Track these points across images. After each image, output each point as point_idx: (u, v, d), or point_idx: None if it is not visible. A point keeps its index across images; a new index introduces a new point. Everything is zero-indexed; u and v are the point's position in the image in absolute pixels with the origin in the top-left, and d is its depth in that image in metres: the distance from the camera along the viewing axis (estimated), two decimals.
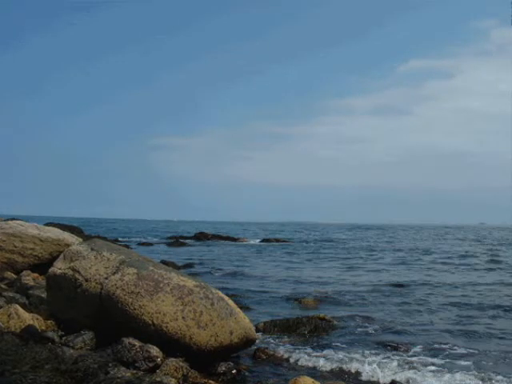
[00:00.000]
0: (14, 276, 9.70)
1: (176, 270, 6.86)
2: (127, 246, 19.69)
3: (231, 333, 5.67)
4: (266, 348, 6.45)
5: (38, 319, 6.10)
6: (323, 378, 5.33)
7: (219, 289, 6.35)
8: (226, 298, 6.06)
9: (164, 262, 14.13)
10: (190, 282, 5.87)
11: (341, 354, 6.37)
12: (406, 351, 6.74)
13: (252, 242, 41.86)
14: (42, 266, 9.98)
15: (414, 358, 6.35)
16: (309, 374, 5.23)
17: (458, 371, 5.77)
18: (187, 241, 38.00)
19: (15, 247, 10.30)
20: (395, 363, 6.04)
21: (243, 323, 5.89)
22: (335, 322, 8.35)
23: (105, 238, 21.65)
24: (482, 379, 5.54)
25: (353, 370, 5.83)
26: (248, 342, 5.97)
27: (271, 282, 14.27)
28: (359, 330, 8.05)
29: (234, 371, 5.44)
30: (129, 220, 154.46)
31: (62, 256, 6.33)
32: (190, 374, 4.93)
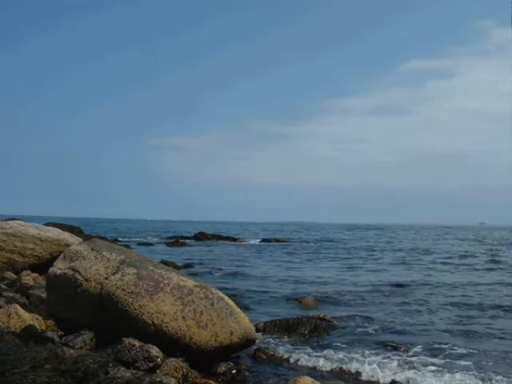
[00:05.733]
0: (14, 276, 9.69)
1: (176, 270, 6.87)
2: (127, 246, 19.69)
3: (231, 333, 5.67)
4: (266, 348, 6.45)
5: (37, 319, 6.10)
6: (323, 378, 5.33)
7: (219, 289, 6.35)
8: (226, 298, 6.06)
9: (164, 262, 14.12)
10: (190, 282, 5.87)
11: (341, 354, 6.37)
12: (406, 351, 6.74)
13: (252, 241, 41.85)
14: (42, 266, 9.97)
15: (413, 358, 6.34)
16: (309, 374, 5.23)
17: (458, 371, 5.77)
18: (187, 241, 37.99)
19: (15, 247, 10.29)
20: (395, 363, 6.04)
21: (243, 323, 5.89)
22: (335, 322, 8.35)
23: (105, 238, 21.65)
24: (482, 379, 5.54)
25: (353, 370, 5.83)
26: (248, 341, 5.97)
27: (271, 281, 14.27)
28: (359, 329, 8.05)
29: (233, 371, 5.45)
30: (129, 220, 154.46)
31: (62, 256, 6.33)
32: (189, 373, 4.94)
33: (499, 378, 5.59)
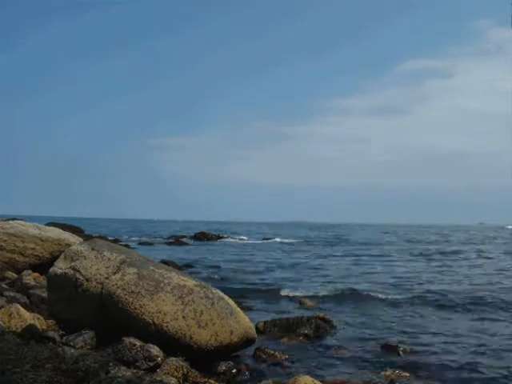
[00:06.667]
0: (15, 276, 9.71)
1: (176, 269, 6.88)
2: (127, 246, 19.71)
3: (231, 332, 5.69)
4: (266, 348, 6.46)
5: (38, 319, 6.12)
6: (323, 378, 5.35)
7: (219, 288, 6.37)
8: (226, 297, 6.08)
9: (164, 262, 14.12)
10: (191, 282, 5.89)
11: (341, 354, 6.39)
12: (407, 351, 6.75)
13: (252, 241, 41.89)
14: (42, 266, 9.99)
15: (414, 358, 6.36)
16: (309, 373, 5.25)
17: (457, 371, 5.79)
18: (187, 241, 38.03)
19: (16, 247, 10.31)
20: (396, 363, 6.06)
21: (243, 323, 5.91)
22: (335, 322, 8.36)
23: (105, 238, 21.67)
24: (483, 379, 5.56)
25: (353, 370, 5.85)
26: (248, 341, 5.99)
27: (271, 281, 14.28)
28: (359, 329, 8.07)
29: (234, 370, 5.46)
30: (129, 220, 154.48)
31: (62, 256, 6.35)
32: (190, 373, 4.95)
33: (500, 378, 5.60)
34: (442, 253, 28.10)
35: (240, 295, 10.93)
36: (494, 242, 42.35)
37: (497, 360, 6.39)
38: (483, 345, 7.17)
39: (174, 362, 4.97)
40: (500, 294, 11.77)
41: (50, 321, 6.25)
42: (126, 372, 4.43)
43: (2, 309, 6.00)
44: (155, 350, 5.12)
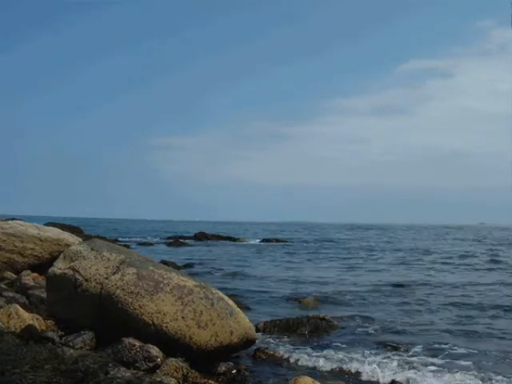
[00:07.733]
0: (14, 276, 9.69)
1: (176, 270, 6.87)
2: (127, 246, 19.69)
3: (231, 333, 5.67)
4: (266, 348, 6.44)
5: (38, 319, 6.10)
6: (323, 378, 5.33)
7: (219, 289, 6.35)
8: (226, 297, 6.06)
9: (164, 262, 14.10)
10: (190, 282, 5.87)
11: (341, 354, 6.37)
12: (406, 351, 6.74)
13: (252, 241, 41.86)
14: (42, 266, 9.97)
15: (414, 358, 6.34)
16: (309, 374, 5.22)
17: (458, 371, 5.77)
18: (187, 241, 37.99)
19: (15, 247, 10.29)
20: (395, 363, 6.04)
21: (243, 323, 5.90)
22: (335, 322, 8.34)
23: (105, 238, 21.63)
24: (482, 379, 5.54)
25: (353, 370, 5.83)
26: (248, 341, 5.97)
27: (271, 281, 14.27)
28: (359, 330, 8.05)
29: (234, 371, 5.44)
30: (129, 220, 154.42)
31: (62, 256, 6.33)
32: (189, 374, 4.93)
33: (499, 377, 5.58)
34: None
35: (240, 294, 10.92)
36: None
37: None
38: None
39: (174, 362, 4.95)
40: None
41: (49, 321, 6.23)
42: (125, 373, 4.41)
43: (1, 309, 5.98)
44: (155, 350, 5.10)
